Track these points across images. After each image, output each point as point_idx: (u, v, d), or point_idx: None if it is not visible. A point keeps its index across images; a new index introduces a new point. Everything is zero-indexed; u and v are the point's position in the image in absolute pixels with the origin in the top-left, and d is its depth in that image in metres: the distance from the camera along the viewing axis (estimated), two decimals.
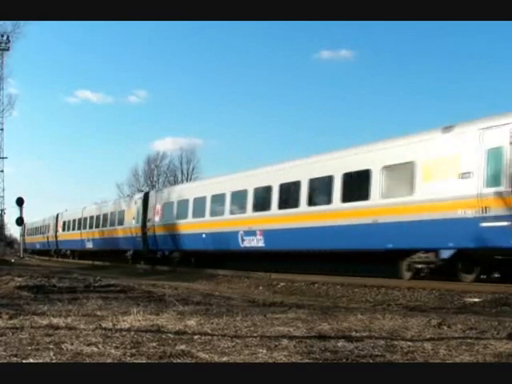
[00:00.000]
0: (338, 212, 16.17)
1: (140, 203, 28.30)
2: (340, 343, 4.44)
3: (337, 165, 16.71)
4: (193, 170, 66.82)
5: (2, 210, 62.68)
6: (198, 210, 23.09)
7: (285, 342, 4.48)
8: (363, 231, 15.20)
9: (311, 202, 17.56)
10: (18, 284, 10.62)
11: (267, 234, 19.00)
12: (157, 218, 26.34)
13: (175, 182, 62.28)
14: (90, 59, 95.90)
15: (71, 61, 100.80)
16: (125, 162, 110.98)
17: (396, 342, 4.52)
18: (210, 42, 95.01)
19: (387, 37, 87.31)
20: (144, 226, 27.30)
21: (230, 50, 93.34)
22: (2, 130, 59.68)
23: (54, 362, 3.75)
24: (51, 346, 4.22)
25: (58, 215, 45.25)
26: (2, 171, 63.33)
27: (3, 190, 63.11)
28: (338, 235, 15.92)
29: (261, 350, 4.14)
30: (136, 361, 3.79)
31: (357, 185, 16.18)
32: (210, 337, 4.71)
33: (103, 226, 33.76)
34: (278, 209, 18.82)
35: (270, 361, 3.84)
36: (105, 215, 33.77)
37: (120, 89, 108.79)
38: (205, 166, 69.44)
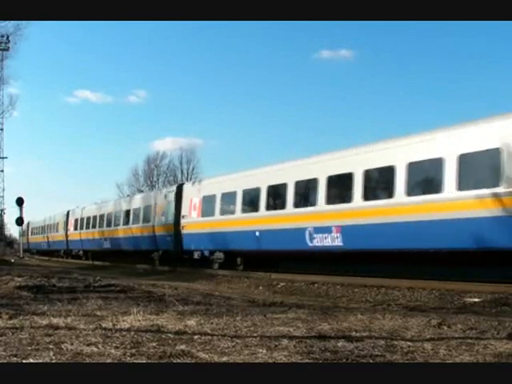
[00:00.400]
0: (453, 203, 12.88)
1: (172, 197, 24.75)
2: (340, 343, 4.44)
3: (448, 144, 13.35)
4: (193, 170, 66.89)
5: (2, 210, 62.72)
6: (250, 204, 19.96)
7: (285, 342, 4.48)
8: (494, 225, 12.06)
9: (411, 191, 14.10)
10: (17, 284, 10.62)
11: (347, 231, 15.61)
12: (194, 214, 22.86)
13: (175, 182, 62.23)
14: (90, 59, 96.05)
15: (71, 61, 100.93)
16: (125, 161, 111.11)
17: (396, 342, 4.52)
18: (210, 42, 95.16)
19: (387, 37, 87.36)
20: (177, 222, 23.94)
21: (230, 50, 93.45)
22: (2, 130, 59.74)
23: (54, 362, 3.75)
24: (51, 346, 4.22)
25: (68, 212, 41.85)
26: (2, 171, 63.40)
27: (3, 190, 63.17)
28: (452, 231, 12.80)
29: (261, 350, 4.14)
30: (136, 361, 3.79)
31: (482, 167, 13.02)
32: (210, 337, 4.71)
33: (124, 223, 30.19)
34: (362, 200, 15.28)
35: (270, 361, 3.84)
36: (126, 212, 30.22)
37: (120, 89, 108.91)
38: (205, 166, 69.50)
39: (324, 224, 16.33)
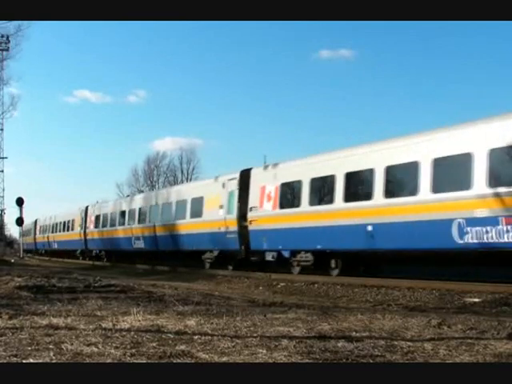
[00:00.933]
0: None
1: (234, 186, 20.57)
2: (340, 343, 4.44)
3: None
4: (193, 170, 66.86)
5: (2, 210, 62.61)
6: (357, 191, 16.09)
7: (285, 342, 4.48)
8: None
9: None
10: (17, 284, 10.62)
11: None
12: (268, 206, 18.70)
13: (175, 182, 62.24)
14: (90, 59, 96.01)
15: (71, 61, 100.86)
16: (125, 161, 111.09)
17: (396, 342, 4.52)
18: (210, 42, 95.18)
19: (387, 37, 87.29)
20: (242, 216, 19.93)
21: (230, 50, 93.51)
22: (2, 130, 59.60)
23: (54, 362, 3.75)
24: (51, 346, 4.23)
25: (87, 208, 37.05)
26: (2, 171, 63.25)
27: (3, 189, 63.02)
28: None
29: (261, 350, 4.14)
30: (136, 361, 3.79)
31: None
32: (209, 337, 4.71)
33: (164, 219, 25.88)
34: None
35: (270, 361, 3.84)
36: (166, 205, 25.98)
37: (119, 89, 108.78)
38: (205, 166, 69.59)
39: (485, 214, 12.30)
